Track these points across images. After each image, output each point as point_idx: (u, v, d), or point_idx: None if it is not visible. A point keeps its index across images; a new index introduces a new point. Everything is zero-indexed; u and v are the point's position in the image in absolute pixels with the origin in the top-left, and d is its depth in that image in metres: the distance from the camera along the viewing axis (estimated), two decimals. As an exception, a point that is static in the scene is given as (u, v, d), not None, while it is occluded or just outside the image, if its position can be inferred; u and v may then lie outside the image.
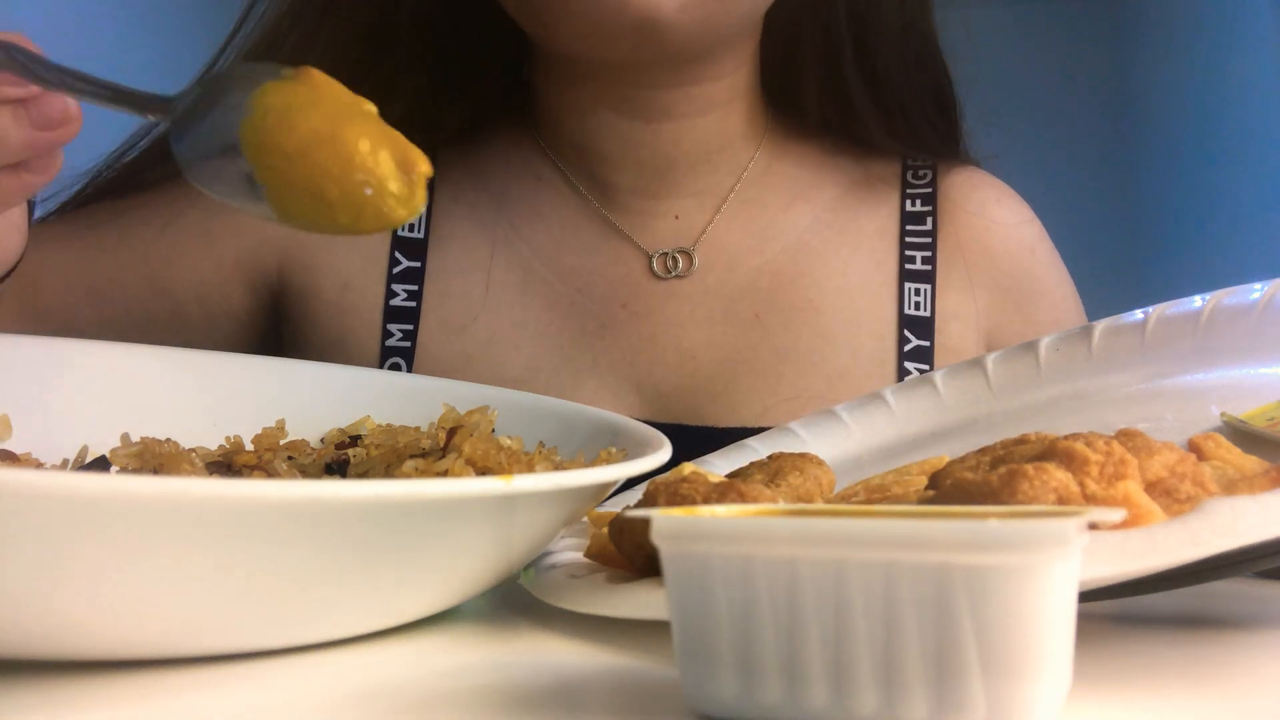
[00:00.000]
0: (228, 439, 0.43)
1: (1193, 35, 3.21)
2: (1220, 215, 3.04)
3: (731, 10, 0.57)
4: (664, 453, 0.37)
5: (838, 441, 0.49)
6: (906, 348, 0.65)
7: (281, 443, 0.44)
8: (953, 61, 0.69)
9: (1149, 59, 3.45)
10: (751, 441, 0.50)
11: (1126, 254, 3.36)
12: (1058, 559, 0.20)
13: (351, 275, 0.65)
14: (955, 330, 0.66)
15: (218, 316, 0.66)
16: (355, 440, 0.44)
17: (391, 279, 0.65)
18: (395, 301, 0.65)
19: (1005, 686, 0.20)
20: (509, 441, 0.41)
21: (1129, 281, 2.88)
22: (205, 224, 0.65)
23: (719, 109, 0.65)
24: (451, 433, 0.41)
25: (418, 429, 0.44)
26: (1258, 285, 0.44)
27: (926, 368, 0.64)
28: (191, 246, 0.65)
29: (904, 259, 0.67)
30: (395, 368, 0.63)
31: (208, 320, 0.65)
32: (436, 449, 0.41)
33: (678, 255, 0.65)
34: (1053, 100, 3.54)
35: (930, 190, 0.69)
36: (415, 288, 0.65)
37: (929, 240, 0.68)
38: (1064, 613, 0.20)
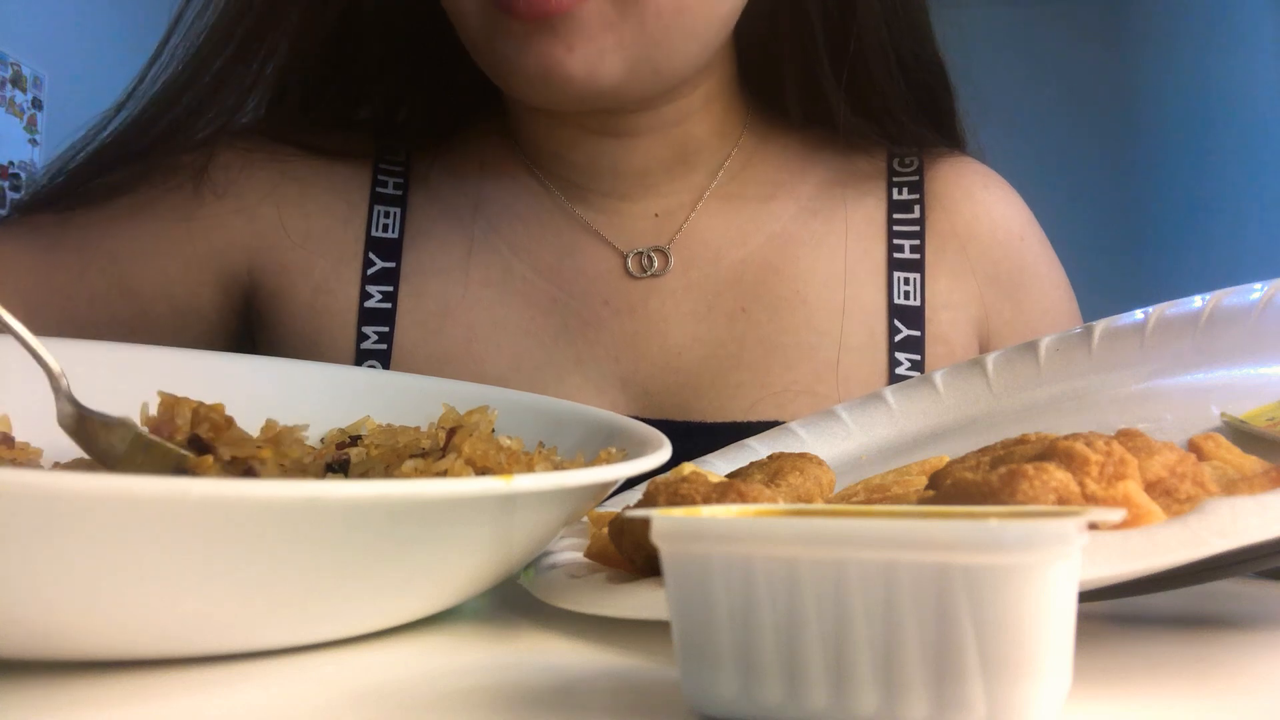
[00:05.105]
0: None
1: (1193, 35, 3.21)
2: (1220, 215, 3.04)
3: (682, 56, 0.56)
4: (664, 452, 0.37)
5: (838, 441, 0.49)
6: (897, 338, 0.64)
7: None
8: (951, 61, 0.69)
9: (1149, 59, 3.45)
10: (751, 441, 0.50)
11: (1126, 254, 3.36)
12: (1058, 559, 0.20)
13: (325, 277, 0.65)
14: (946, 319, 0.66)
15: (186, 315, 0.64)
16: (355, 440, 0.44)
17: (366, 280, 0.65)
18: (370, 303, 0.64)
19: (1005, 686, 0.20)
20: (509, 441, 0.41)
21: (1129, 281, 2.88)
22: (173, 224, 0.64)
23: (690, 118, 0.64)
24: (451, 433, 0.41)
25: (418, 429, 0.44)
26: (1258, 285, 0.44)
27: (917, 358, 0.64)
28: (159, 246, 0.64)
29: (892, 248, 0.66)
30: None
31: (176, 319, 0.64)
32: (436, 449, 0.41)
33: (653, 254, 0.65)
34: (1053, 100, 3.54)
35: (917, 179, 0.69)
36: (390, 288, 0.64)
37: (917, 229, 0.67)
38: (1064, 613, 0.20)
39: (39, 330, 0.38)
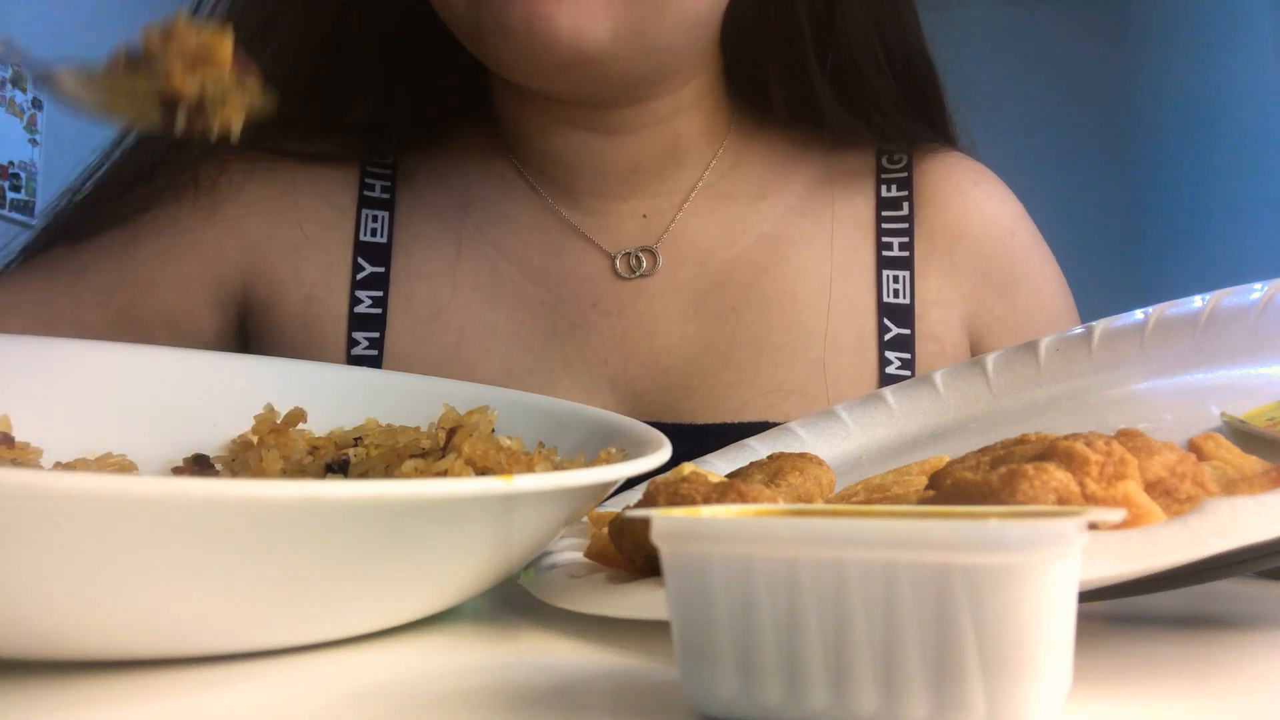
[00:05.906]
0: (233, 440, 0.43)
1: (1193, 35, 3.21)
2: (1220, 215, 3.04)
3: (671, 32, 0.56)
4: (664, 452, 0.37)
5: (838, 441, 0.49)
6: (886, 336, 0.64)
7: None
8: (950, 61, 0.69)
9: (1149, 59, 3.45)
10: (751, 441, 0.50)
11: (1126, 254, 3.36)
12: (1058, 559, 0.20)
13: (315, 286, 0.65)
14: (936, 317, 0.65)
15: (186, 339, 0.65)
16: (355, 441, 0.44)
17: (355, 285, 0.64)
18: (360, 309, 0.64)
19: (1005, 686, 0.20)
20: (509, 441, 0.41)
21: (1129, 281, 2.88)
22: (165, 249, 0.64)
23: (680, 115, 0.64)
24: (451, 433, 0.41)
25: (417, 429, 0.44)
26: (1258, 285, 0.44)
27: (907, 356, 0.64)
28: (153, 274, 0.64)
29: (881, 246, 0.66)
30: None
31: (176, 343, 0.63)
32: (436, 449, 0.41)
33: (640, 255, 0.65)
34: (1052, 99, 3.54)
35: (906, 175, 0.68)
36: (380, 293, 0.64)
37: (906, 226, 0.67)
38: (1064, 613, 0.20)
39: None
